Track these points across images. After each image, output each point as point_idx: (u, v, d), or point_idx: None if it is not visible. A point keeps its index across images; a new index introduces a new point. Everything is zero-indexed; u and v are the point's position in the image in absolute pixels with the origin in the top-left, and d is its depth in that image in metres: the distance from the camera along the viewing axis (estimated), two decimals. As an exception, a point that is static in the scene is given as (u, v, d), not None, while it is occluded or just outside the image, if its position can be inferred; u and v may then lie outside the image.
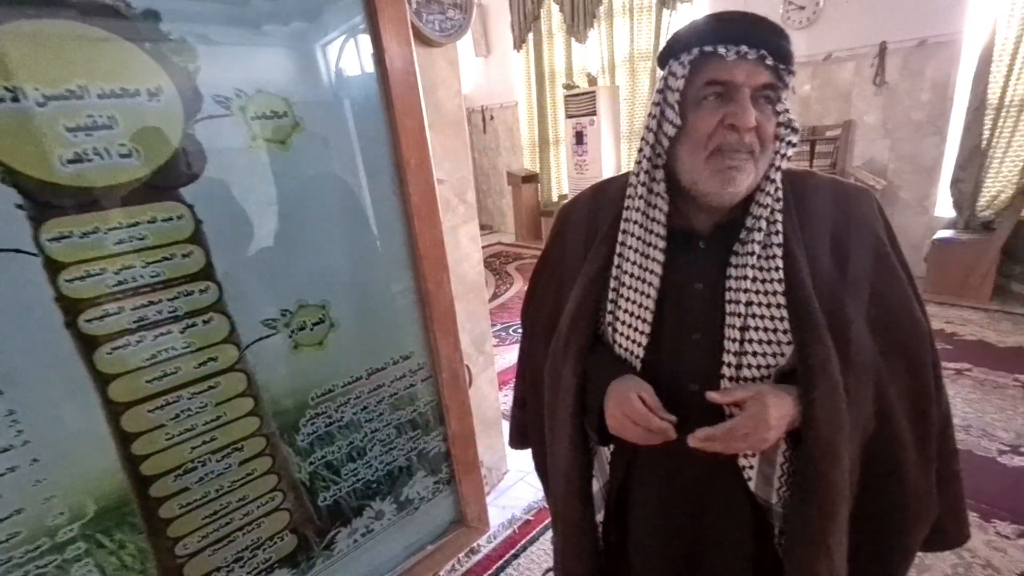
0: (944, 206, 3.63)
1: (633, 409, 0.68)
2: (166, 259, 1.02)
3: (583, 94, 4.99)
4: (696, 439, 0.65)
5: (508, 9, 5.65)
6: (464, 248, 1.75)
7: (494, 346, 3.40)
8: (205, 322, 1.09)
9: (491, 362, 1.98)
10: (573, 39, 5.20)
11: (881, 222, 0.74)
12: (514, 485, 2.03)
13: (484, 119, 6.66)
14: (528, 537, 1.76)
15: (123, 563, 1.06)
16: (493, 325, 3.81)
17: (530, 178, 6.05)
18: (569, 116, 5.18)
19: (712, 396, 0.67)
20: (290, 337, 1.22)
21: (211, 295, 1.09)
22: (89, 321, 0.95)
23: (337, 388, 1.33)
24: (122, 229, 0.96)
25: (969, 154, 3.37)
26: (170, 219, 1.01)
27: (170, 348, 1.05)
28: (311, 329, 1.25)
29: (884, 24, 3.52)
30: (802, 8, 3.85)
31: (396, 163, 1.31)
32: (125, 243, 0.97)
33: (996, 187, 3.36)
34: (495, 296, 4.37)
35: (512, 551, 1.72)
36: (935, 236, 3.50)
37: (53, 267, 0.91)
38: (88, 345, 0.96)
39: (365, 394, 1.39)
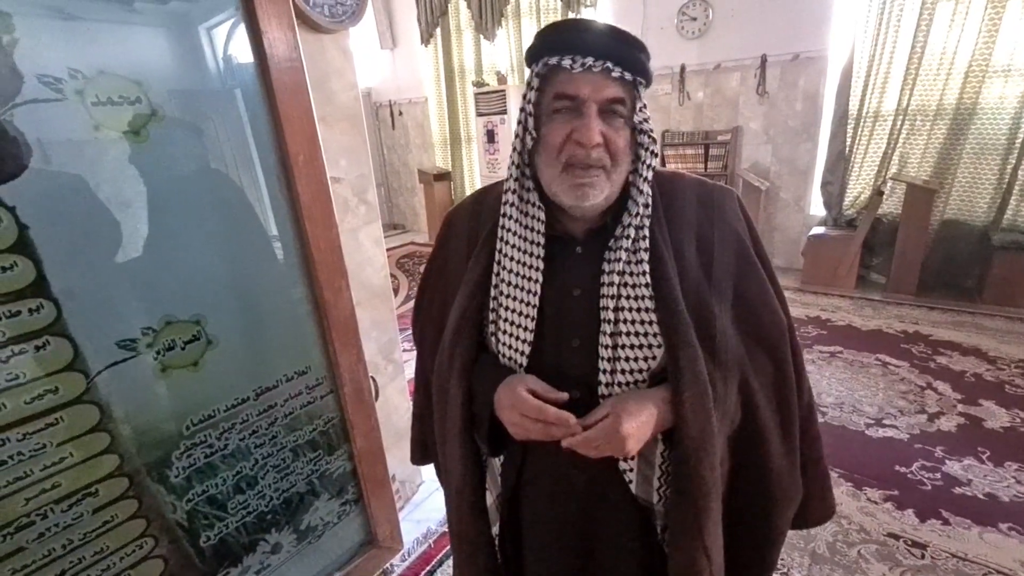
0: (817, 205, 4.06)
1: (527, 406, 0.67)
2: (-22, 273, 0.83)
3: (493, 92, 4.97)
4: (564, 444, 0.67)
5: (415, 1, 5.49)
6: (367, 251, 1.63)
7: (406, 351, 3.29)
8: (39, 348, 0.90)
9: (401, 370, 1.88)
10: (482, 37, 5.16)
11: (743, 221, 0.77)
12: (429, 497, 1.95)
13: (393, 114, 6.43)
14: (444, 551, 1.70)
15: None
16: (406, 329, 3.68)
17: (442, 176, 5.93)
18: (480, 114, 5.14)
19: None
20: (156, 359, 1.05)
21: (45, 315, 0.90)
22: None
23: (219, 413, 1.17)
24: (-90, 237, 0.77)
25: (835, 159, 3.78)
26: (-19, 224, 0.82)
27: (-11, 382, 0.86)
28: (182, 348, 1.09)
29: (765, 38, 3.85)
30: (694, 20, 4.10)
31: (282, 159, 1.18)
32: (-85, 255, 0.77)
33: (857, 189, 3.80)
34: (408, 298, 4.23)
35: (427, 568, 1.64)
36: (810, 232, 3.89)
37: None
38: None
39: (254, 417, 1.24)
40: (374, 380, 1.55)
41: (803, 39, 3.72)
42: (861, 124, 3.65)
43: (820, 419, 2.29)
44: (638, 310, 0.69)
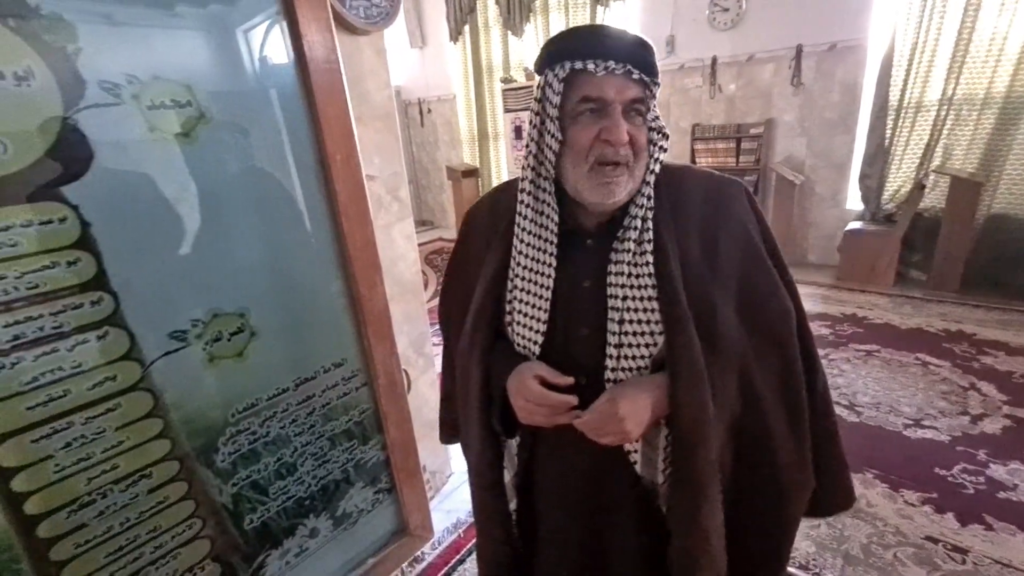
0: (854, 200, 3.93)
1: (532, 392, 0.72)
2: (47, 268, 0.89)
3: (521, 88, 4.97)
4: (575, 424, 0.72)
5: (443, 0, 5.53)
6: (399, 247, 1.67)
7: (436, 344, 3.34)
8: (99, 338, 0.96)
9: (431, 363, 1.92)
10: (510, 33, 5.17)
11: (751, 213, 0.78)
12: (459, 487, 1.98)
13: (422, 112, 6.50)
14: (473, 540, 1.73)
15: (6, 617, 0.93)
16: (434, 324, 3.74)
17: (470, 173, 5.96)
18: (508, 110, 5.15)
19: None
20: (204, 350, 1.11)
21: (106, 307, 0.96)
22: (-52, 343, 0.82)
23: (261, 402, 1.23)
24: (-12, 234, 0.83)
25: (874, 152, 3.66)
26: (49, 222, 0.88)
27: (56, 369, 0.92)
28: (228, 340, 1.14)
29: (800, 28, 3.74)
30: (726, 10, 4.01)
31: (320, 159, 1.22)
32: (-8, 251, 0.83)
33: (897, 183, 3.67)
34: (437, 293, 4.28)
35: (458, 556, 1.68)
36: (847, 228, 3.78)
37: None
38: (-52, 371, 0.82)
39: (293, 406, 1.30)
40: (406, 373, 1.59)
41: (841, 27, 3.60)
42: (902, 115, 3.51)
43: (855, 419, 2.24)
44: (641, 299, 0.72)
